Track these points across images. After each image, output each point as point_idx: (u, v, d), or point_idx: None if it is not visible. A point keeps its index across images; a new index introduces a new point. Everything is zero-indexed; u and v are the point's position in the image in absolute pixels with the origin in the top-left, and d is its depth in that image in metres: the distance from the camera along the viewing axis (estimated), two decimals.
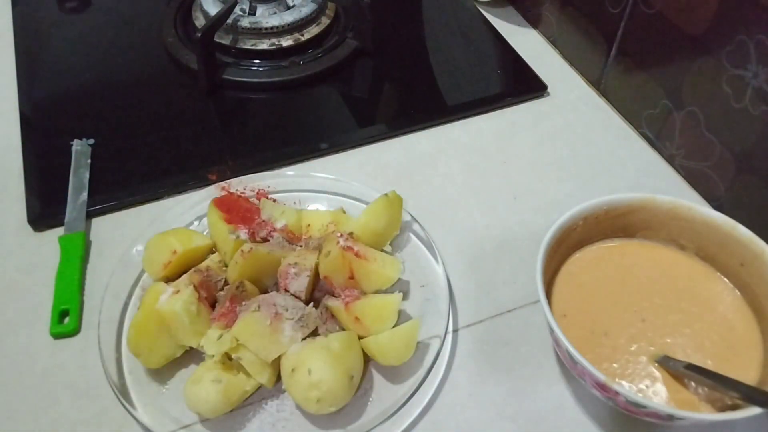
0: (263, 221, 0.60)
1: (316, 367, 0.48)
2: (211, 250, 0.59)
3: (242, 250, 0.54)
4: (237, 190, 0.64)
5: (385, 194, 0.60)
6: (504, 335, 0.58)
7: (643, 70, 0.73)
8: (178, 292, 0.52)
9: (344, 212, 0.64)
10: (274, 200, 0.64)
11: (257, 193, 0.64)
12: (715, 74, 0.63)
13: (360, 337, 0.53)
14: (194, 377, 0.50)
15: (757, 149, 0.61)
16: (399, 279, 0.58)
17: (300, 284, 0.54)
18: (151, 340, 0.51)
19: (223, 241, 0.58)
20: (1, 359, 0.55)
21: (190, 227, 0.63)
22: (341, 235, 0.55)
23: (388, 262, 0.57)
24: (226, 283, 0.56)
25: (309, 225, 0.61)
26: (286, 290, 0.54)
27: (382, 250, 0.60)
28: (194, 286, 0.53)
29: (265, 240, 0.59)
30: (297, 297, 0.54)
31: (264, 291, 0.56)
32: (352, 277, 0.55)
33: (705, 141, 0.66)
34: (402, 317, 0.56)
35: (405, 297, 0.58)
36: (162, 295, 0.52)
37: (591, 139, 0.75)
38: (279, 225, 0.60)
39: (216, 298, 0.55)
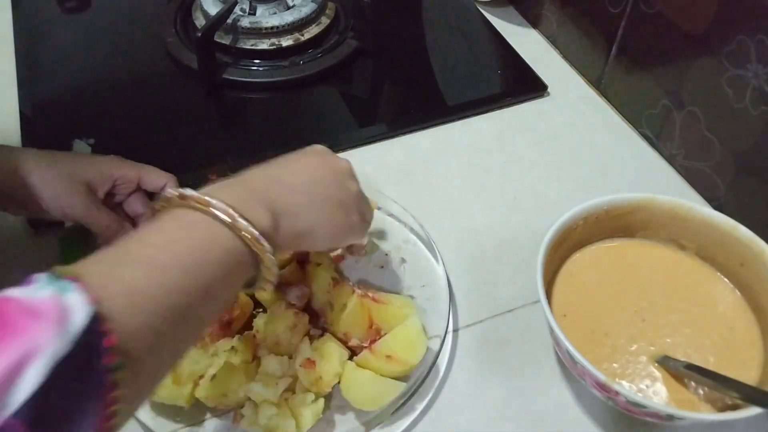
0: None
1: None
2: None
3: None
4: None
5: None
6: (504, 335, 0.57)
7: (643, 70, 0.73)
8: None
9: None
10: None
11: None
12: (715, 74, 0.63)
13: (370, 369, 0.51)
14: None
15: (757, 149, 0.61)
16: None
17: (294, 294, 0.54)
18: None
19: None
20: None
21: None
22: (353, 285, 0.53)
23: (400, 300, 0.55)
24: None
25: None
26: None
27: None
28: None
29: None
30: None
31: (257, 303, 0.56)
32: (371, 326, 0.53)
33: (705, 141, 0.66)
34: None
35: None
36: None
37: (591, 139, 0.75)
38: None
39: None
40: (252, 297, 0.56)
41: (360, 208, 0.50)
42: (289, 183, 0.45)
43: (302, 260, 0.57)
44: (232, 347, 0.50)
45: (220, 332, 0.52)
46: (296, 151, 0.50)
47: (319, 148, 0.51)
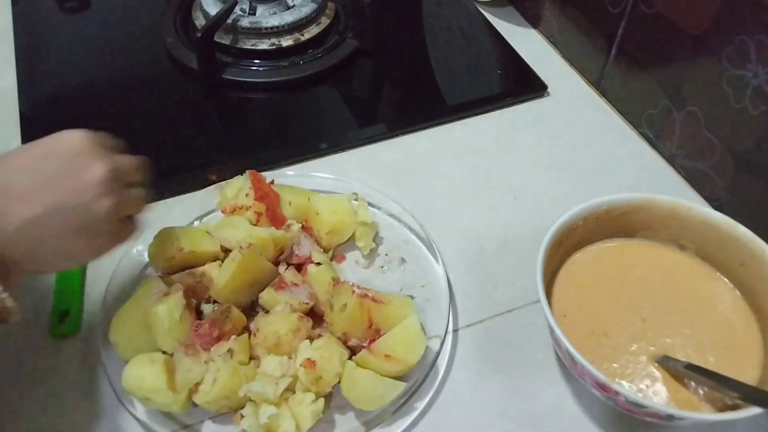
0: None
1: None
2: (215, 257, 0.58)
3: (240, 246, 0.54)
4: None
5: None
6: (504, 335, 0.58)
7: (643, 70, 0.73)
8: (167, 294, 0.52)
9: (357, 196, 0.63)
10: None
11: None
12: (715, 74, 0.63)
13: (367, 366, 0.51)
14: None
15: (757, 149, 0.61)
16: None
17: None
18: (131, 333, 0.51)
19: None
20: (2, 359, 0.55)
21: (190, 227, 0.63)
22: (353, 284, 0.53)
23: (399, 300, 0.54)
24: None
25: (317, 213, 0.60)
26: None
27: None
28: (183, 292, 0.52)
29: None
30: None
31: (249, 305, 0.56)
32: (371, 326, 0.53)
33: (705, 141, 0.66)
34: None
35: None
36: (152, 292, 0.52)
37: (591, 139, 0.75)
38: (286, 212, 0.59)
39: (201, 306, 0.55)
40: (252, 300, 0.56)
41: (110, 227, 0.44)
42: (7, 220, 0.40)
43: (301, 262, 0.57)
44: (229, 350, 0.50)
45: (213, 341, 0.51)
46: (37, 148, 0.42)
47: (67, 140, 0.42)
